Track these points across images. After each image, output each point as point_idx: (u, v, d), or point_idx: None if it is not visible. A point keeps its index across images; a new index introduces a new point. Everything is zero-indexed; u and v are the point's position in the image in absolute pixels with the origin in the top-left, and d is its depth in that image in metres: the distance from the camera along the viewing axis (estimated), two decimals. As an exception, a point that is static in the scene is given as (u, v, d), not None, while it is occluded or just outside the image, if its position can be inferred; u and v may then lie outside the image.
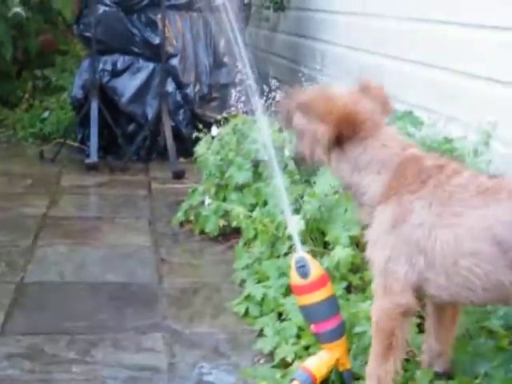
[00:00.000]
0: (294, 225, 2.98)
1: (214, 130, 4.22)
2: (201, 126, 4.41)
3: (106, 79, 5.85)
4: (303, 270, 2.40)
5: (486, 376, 2.38)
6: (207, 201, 3.94)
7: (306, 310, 2.46)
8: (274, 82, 5.43)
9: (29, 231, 4.06)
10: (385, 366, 2.23)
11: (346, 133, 2.26)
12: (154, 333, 2.96)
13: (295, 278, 2.43)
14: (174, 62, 5.85)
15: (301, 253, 2.50)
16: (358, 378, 2.49)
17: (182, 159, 5.65)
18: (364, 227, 2.38)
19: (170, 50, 5.84)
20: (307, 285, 2.40)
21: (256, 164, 3.86)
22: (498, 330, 2.49)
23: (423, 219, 2.13)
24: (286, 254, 3.30)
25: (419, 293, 2.21)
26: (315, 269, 2.44)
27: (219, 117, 5.79)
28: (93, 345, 2.83)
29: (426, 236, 2.12)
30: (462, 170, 2.22)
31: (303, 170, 2.71)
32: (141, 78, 5.91)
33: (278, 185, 3.35)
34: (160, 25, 5.68)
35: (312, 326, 2.47)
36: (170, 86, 5.85)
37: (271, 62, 7.55)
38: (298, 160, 2.49)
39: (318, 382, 2.42)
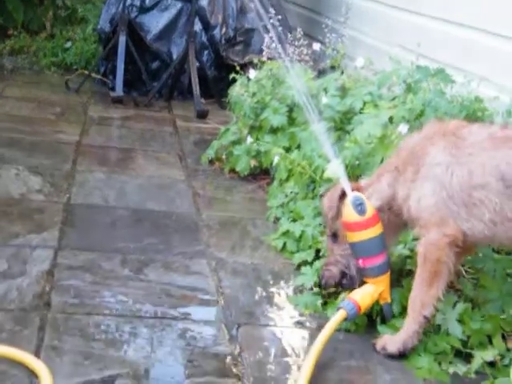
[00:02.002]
0: (338, 167, 3.14)
1: (252, 73, 4.33)
2: (238, 68, 4.52)
3: (133, 14, 5.92)
4: (361, 208, 2.59)
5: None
6: (249, 139, 4.08)
7: (357, 246, 2.65)
8: (298, 31, 5.53)
9: (67, 156, 4.20)
10: (429, 291, 2.49)
11: None
12: (199, 259, 3.15)
13: (352, 215, 2.60)
14: (203, 2, 5.93)
15: (355, 192, 2.68)
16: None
17: (202, 100, 5.76)
18: None
19: (200, -11, 5.91)
20: (364, 221, 2.59)
21: None
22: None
23: (440, 160, 2.48)
24: (322, 196, 3.47)
25: None
26: (370, 207, 2.62)
27: (242, 61, 5.95)
28: (145, 265, 3.02)
29: (444, 172, 2.47)
30: (470, 124, 2.60)
31: None
32: (168, 15, 5.99)
33: (319, 129, 3.52)
34: (192, -37, 5.74)
35: (360, 261, 2.66)
36: (197, 27, 5.94)
37: (291, 11, 7.60)
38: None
39: (362, 312, 2.63)
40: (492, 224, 2.42)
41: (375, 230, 2.61)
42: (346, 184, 2.85)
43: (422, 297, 2.48)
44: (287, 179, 3.84)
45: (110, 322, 2.55)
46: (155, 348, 2.43)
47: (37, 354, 2.28)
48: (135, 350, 2.41)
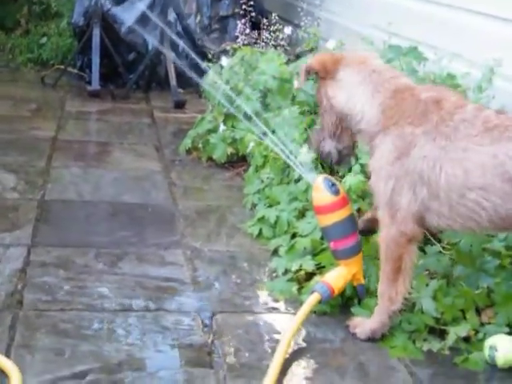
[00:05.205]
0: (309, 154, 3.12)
1: (224, 60, 4.31)
2: (210, 57, 4.50)
3: (107, 7, 5.87)
4: (335, 188, 2.57)
5: (488, 289, 2.61)
6: (222, 127, 4.07)
7: (330, 229, 2.63)
8: (274, 16, 5.51)
9: (42, 153, 4.18)
10: (395, 287, 2.45)
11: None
12: (174, 249, 3.15)
13: (326, 197, 2.58)
14: (176, -9, 5.89)
15: (324, 175, 2.67)
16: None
17: (180, 90, 5.73)
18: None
19: (173, -21, 5.87)
20: (339, 201, 2.57)
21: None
22: (500, 251, 2.71)
23: (427, 152, 2.29)
24: (296, 181, 3.47)
25: (420, 222, 2.40)
26: (341, 186, 2.62)
27: (218, 49, 5.93)
28: (119, 258, 3.01)
29: (431, 168, 2.29)
30: (463, 103, 2.36)
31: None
32: (142, 7, 5.94)
33: (290, 115, 3.51)
34: (163, -47, 5.70)
35: (331, 244, 2.66)
36: (171, 17, 5.91)
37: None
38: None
39: (335, 294, 2.63)
40: (488, 223, 2.29)
41: (347, 210, 2.61)
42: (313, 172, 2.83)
43: (389, 292, 2.45)
44: (263, 165, 3.83)
45: (83, 317, 2.54)
46: (128, 341, 2.43)
47: (7, 353, 2.27)
48: (108, 343, 2.40)
